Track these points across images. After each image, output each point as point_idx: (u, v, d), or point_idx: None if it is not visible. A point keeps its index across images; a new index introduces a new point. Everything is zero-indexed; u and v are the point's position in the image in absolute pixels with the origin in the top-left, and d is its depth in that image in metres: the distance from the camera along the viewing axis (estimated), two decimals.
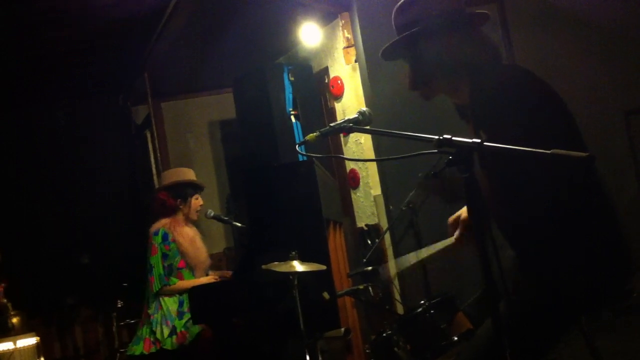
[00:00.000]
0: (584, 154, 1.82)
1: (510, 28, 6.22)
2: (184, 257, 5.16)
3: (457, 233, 2.78)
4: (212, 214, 5.39)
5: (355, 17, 5.85)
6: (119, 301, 6.44)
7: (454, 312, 3.75)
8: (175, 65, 7.16)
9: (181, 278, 5.15)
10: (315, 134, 2.49)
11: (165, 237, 5.14)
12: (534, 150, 1.90)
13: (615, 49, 6.18)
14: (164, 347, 4.90)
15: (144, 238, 7.66)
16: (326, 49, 6.51)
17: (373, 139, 5.86)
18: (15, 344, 5.09)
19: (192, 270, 5.20)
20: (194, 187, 5.37)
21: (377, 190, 5.94)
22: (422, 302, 3.83)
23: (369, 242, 5.87)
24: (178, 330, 4.95)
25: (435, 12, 2.55)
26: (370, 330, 5.49)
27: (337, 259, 5.30)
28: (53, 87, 7.53)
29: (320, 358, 4.52)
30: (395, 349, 3.74)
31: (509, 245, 2.49)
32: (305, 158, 4.94)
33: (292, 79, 5.92)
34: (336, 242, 5.41)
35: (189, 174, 5.48)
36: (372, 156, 5.96)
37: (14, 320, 5.37)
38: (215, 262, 6.23)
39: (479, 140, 2.00)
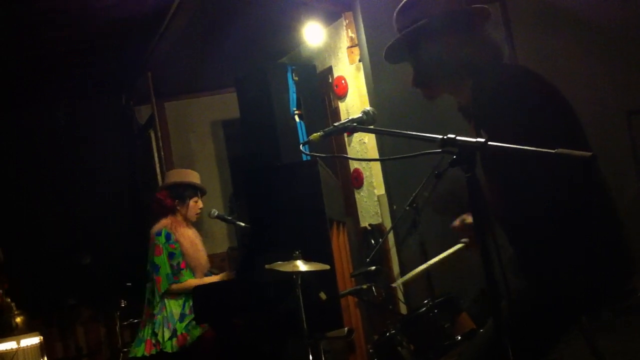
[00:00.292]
0: (587, 154, 1.82)
1: (512, 28, 6.22)
2: (185, 257, 5.15)
3: (464, 238, 2.80)
4: (215, 214, 5.38)
5: (359, 16, 5.85)
6: (122, 301, 6.44)
7: (457, 312, 3.75)
8: (178, 65, 7.16)
9: (182, 278, 5.15)
10: (318, 133, 2.49)
11: (168, 236, 5.13)
12: (538, 149, 1.90)
13: (617, 49, 6.17)
14: (164, 349, 4.89)
15: (144, 238, 7.66)
16: (330, 49, 6.51)
17: (377, 139, 5.86)
18: (18, 343, 5.09)
19: (193, 271, 5.19)
20: (193, 190, 5.35)
21: (380, 190, 5.94)
22: (425, 302, 3.83)
23: (373, 242, 5.87)
24: (179, 333, 4.94)
25: (436, 12, 2.55)
26: (373, 330, 5.49)
27: (341, 258, 5.30)
28: (53, 87, 7.54)
29: (323, 358, 4.52)
30: (399, 348, 3.73)
31: (510, 245, 2.49)
32: (308, 158, 4.94)
33: (295, 78, 5.91)
34: (339, 242, 5.41)
35: (191, 176, 5.46)
36: (376, 156, 5.96)
37: (17, 319, 5.37)
38: (219, 262, 6.24)
39: (483, 140, 2.00)
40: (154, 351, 4.93)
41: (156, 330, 4.96)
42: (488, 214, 2.42)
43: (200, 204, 5.36)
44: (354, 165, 6.30)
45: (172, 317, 4.99)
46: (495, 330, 2.07)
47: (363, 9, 5.82)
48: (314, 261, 3.99)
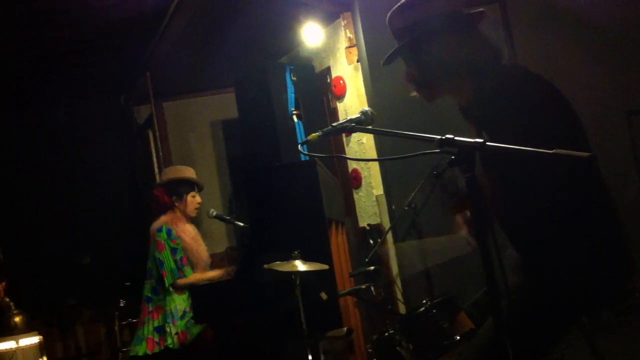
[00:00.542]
0: (585, 154, 1.82)
1: (512, 28, 6.22)
2: (187, 253, 5.17)
3: (464, 231, 2.79)
4: (214, 214, 5.38)
5: (357, 16, 5.85)
6: (121, 300, 6.44)
7: (456, 312, 3.74)
8: (177, 65, 7.16)
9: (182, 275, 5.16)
10: (317, 133, 2.49)
11: (169, 232, 5.15)
12: (536, 150, 1.90)
13: (617, 48, 6.18)
14: (167, 344, 4.91)
15: (144, 238, 7.66)
16: (328, 49, 6.51)
17: (375, 139, 5.86)
18: (17, 343, 5.09)
19: (193, 268, 5.20)
20: (189, 185, 5.36)
21: (379, 190, 5.94)
22: (424, 301, 3.83)
23: (371, 242, 5.87)
24: (179, 330, 4.95)
25: (433, 14, 2.55)
26: (372, 329, 5.49)
27: (339, 258, 5.30)
28: (53, 87, 7.53)
29: (322, 358, 4.52)
30: (398, 348, 3.73)
31: (510, 245, 2.49)
32: (307, 158, 4.94)
33: (294, 78, 5.91)
34: (338, 242, 5.41)
35: (185, 172, 5.47)
36: (375, 156, 5.96)
37: (17, 319, 5.37)
38: (217, 262, 6.22)
39: (481, 140, 2.00)
40: (157, 349, 4.94)
41: (165, 326, 4.98)
42: (488, 213, 2.43)
43: (198, 199, 5.37)
44: (352, 165, 6.30)
45: (177, 312, 5.01)
46: (495, 330, 2.07)
47: (361, 10, 5.83)
48: (313, 261, 3.99)
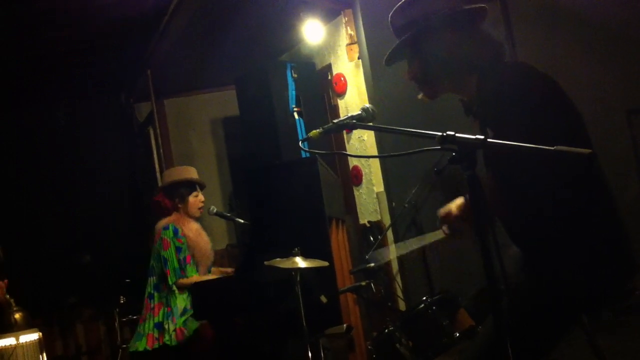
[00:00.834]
0: (586, 151, 1.82)
1: (512, 26, 6.22)
2: (192, 251, 5.18)
3: (445, 228, 2.76)
4: (214, 211, 5.39)
5: (358, 13, 5.85)
6: (121, 297, 6.45)
7: (456, 309, 3.74)
8: (177, 63, 7.16)
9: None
10: (318, 130, 2.48)
11: (175, 231, 5.16)
12: (537, 147, 1.90)
13: (617, 47, 6.17)
14: (165, 341, 4.92)
15: (144, 237, 7.66)
16: (329, 46, 6.51)
17: (376, 136, 5.86)
18: (17, 339, 5.09)
19: (197, 265, 5.21)
20: (190, 185, 5.36)
21: (379, 187, 5.94)
22: (424, 299, 3.83)
23: (372, 239, 5.87)
24: (177, 327, 4.97)
25: (433, 11, 2.55)
26: (372, 327, 5.49)
27: (340, 256, 5.30)
28: (53, 87, 7.53)
29: (322, 355, 4.52)
30: (397, 345, 3.73)
31: (511, 244, 2.49)
32: (308, 155, 4.95)
33: (295, 76, 5.92)
34: (339, 239, 5.41)
35: (185, 172, 5.47)
36: (375, 153, 5.96)
37: (17, 316, 5.37)
38: (218, 259, 6.23)
39: (482, 137, 2.00)
40: (156, 345, 4.96)
41: (163, 323, 4.99)
42: (488, 211, 2.42)
43: (201, 198, 5.37)
44: (353, 162, 6.30)
45: (177, 310, 5.02)
46: (495, 330, 2.07)
47: (362, 7, 5.83)
48: (314, 258, 3.99)
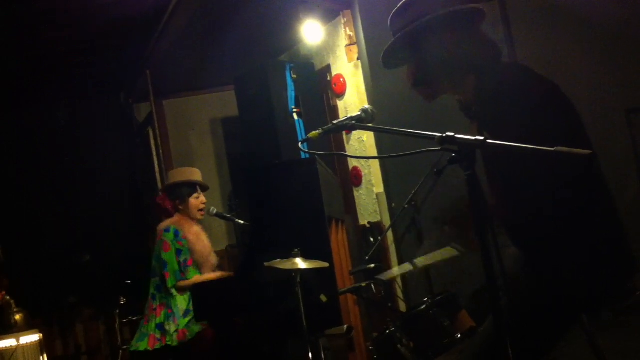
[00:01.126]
0: (586, 152, 1.82)
1: (511, 26, 6.22)
2: (193, 254, 5.18)
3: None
4: (214, 212, 5.39)
5: (358, 14, 5.85)
6: (121, 298, 6.45)
7: (457, 310, 3.74)
8: (177, 63, 7.16)
9: (188, 275, 5.17)
10: (317, 131, 2.48)
11: (176, 233, 5.17)
12: (537, 147, 1.90)
13: (616, 47, 6.18)
14: (168, 342, 4.93)
15: (144, 237, 7.66)
16: (328, 47, 6.51)
17: (375, 137, 5.86)
18: (18, 340, 5.10)
19: (199, 268, 5.22)
20: (191, 187, 5.35)
21: (379, 187, 5.94)
22: (425, 299, 3.83)
23: (372, 239, 5.87)
24: (179, 328, 4.97)
25: (433, 11, 2.55)
26: (373, 327, 5.49)
27: (340, 256, 5.30)
28: (53, 87, 7.53)
29: (322, 355, 4.52)
30: (398, 346, 3.72)
31: (511, 244, 2.49)
32: (307, 156, 4.94)
33: (294, 76, 5.92)
34: (338, 239, 5.41)
35: (187, 174, 5.46)
36: (375, 154, 5.96)
37: (17, 317, 5.37)
38: (216, 264, 6.23)
39: (482, 138, 2.00)
40: (158, 345, 4.97)
41: (164, 324, 4.99)
42: (488, 212, 2.42)
43: (202, 199, 5.36)
44: (352, 163, 6.30)
45: (178, 312, 5.03)
46: (495, 330, 2.07)
47: (361, 7, 5.82)
48: (314, 259, 3.99)
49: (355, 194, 6.28)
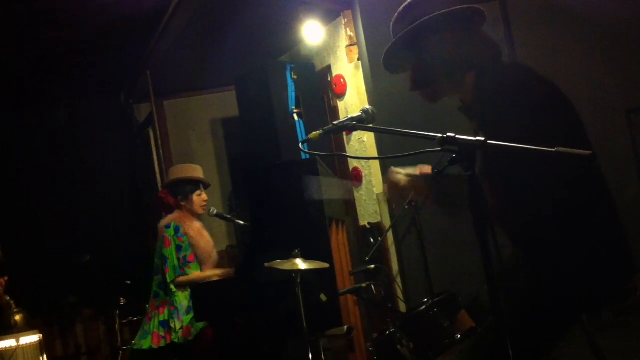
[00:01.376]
0: (587, 152, 1.82)
1: (512, 26, 6.22)
2: (194, 250, 5.19)
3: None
4: (214, 212, 5.40)
5: (358, 15, 5.85)
6: (121, 299, 6.46)
7: (457, 311, 3.75)
8: (177, 64, 7.16)
9: (189, 270, 5.18)
10: (318, 132, 2.48)
11: (177, 229, 5.18)
12: (537, 148, 1.90)
13: (617, 47, 6.18)
14: (173, 339, 4.94)
15: (144, 237, 7.66)
16: (329, 47, 6.51)
17: (376, 137, 5.86)
18: (18, 341, 5.10)
19: (201, 264, 5.23)
20: (194, 184, 5.37)
21: (379, 188, 5.93)
22: (425, 300, 3.83)
23: (372, 240, 5.87)
24: (184, 325, 4.98)
25: (433, 12, 2.55)
26: (373, 328, 5.49)
27: (340, 257, 5.30)
28: (53, 87, 7.53)
29: (322, 356, 4.52)
30: (398, 347, 3.73)
31: (511, 244, 2.49)
32: (308, 156, 4.94)
33: (294, 77, 5.92)
34: (339, 240, 5.41)
35: (190, 170, 5.48)
36: (375, 154, 5.95)
37: (17, 317, 5.37)
38: (218, 260, 6.25)
39: (482, 139, 2.00)
40: (162, 343, 4.98)
41: (169, 321, 5.00)
42: (488, 212, 2.42)
43: (204, 197, 5.38)
44: (353, 163, 6.29)
45: (182, 308, 5.03)
46: (495, 330, 2.07)
47: (362, 8, 5.82)
48: (314, 259, 3.99)
49: (356, 194, 6.27)
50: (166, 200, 5.35)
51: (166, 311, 5.07)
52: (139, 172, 8.32)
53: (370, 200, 6.07)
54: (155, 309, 5.14)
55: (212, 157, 8.33)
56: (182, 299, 5.08)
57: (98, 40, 6.54)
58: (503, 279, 2.19)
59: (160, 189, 5.64)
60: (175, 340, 4.95)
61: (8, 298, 5.41)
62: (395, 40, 2.63)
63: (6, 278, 5.29)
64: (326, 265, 4.08)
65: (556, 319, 2.39)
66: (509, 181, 2.38)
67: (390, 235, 5.70)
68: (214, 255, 5.35)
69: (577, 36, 6.16)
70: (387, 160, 5.82)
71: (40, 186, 7.69)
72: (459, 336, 3.60)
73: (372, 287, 4.44)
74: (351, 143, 6.27)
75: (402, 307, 5.47)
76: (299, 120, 5.86)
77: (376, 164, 5.97)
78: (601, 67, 6.14)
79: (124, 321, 6.51)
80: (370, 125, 2.55)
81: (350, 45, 6.02)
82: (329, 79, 6.51)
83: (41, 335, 5.31)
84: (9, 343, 5.05)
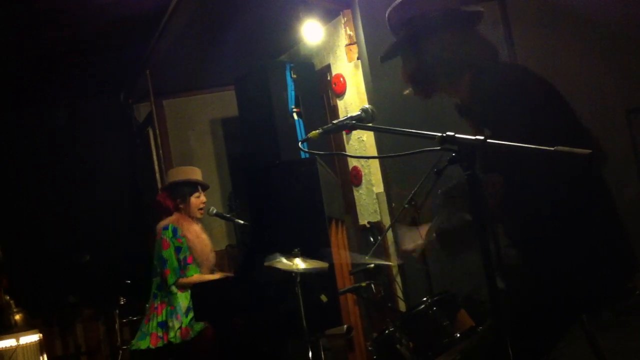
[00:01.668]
0: (586, 151, 1.82)
1: (512, 26, 6.22)
2: (192, 252, 5.19)
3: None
4: (214, 212, 5.40)
5: (357, 14, 5.85)
6: (121, 298, 6.46)
7: (457, 310, 3.74)
8: (177, 63, 7.17)
9: (188, 272, 5.18)
10: (317, 131, 2.48)
11: (175, 231, 5.18)
12: (537, 147, 1.90)
13: (616, 47, 6.19)
14: (170, 339, 4.94)
15: (143, 237, 7.65)
16: (328, 47, 6.51)
17: (375, 136, 5.86)
18: (18, 340, 5.11)
19: (199, 266, 5.23)
20: (192, 186, 5.36)
21: (379, 187, 5.94)
22: (425, 299, 3.83)
23: (372, 239, 5.87)
24: (183, 326, 4.98)
25: (430, 11, 2.55)
26: (372, 327, 5.49)
27: (340, 256, 5.30)
28: (53, 87, 7.54)
29: (322, 356, 4.52)
30: (398, 346, 3.73)
31: (511, 244, 2.49)
32: (307, 155, 4.94)
33: (294, 76, 5.91)
34: (338, 239, 5.41)
35: (188, 173, 5.47)
36: (375, 153, 5.95)
37: (17, 317, 5.38)
38: (218, 260, 6.25)
39: (482, 138, 2.00)
40: (160, 344, 4.98)
41: (167, 321, 5.00)
42: (488, 212, 2.42)
43: (202, 199, 5.37)
44: (352, 162, 6.29)
45: (181, 309, 5.03)
46: (495, 330, 2.07)
47: (361, 7, 5.82)
48: (313, 259, 3.99)
49: (355, 193, 6.27)
50: (164, 203, 5.35)
51: (164, 312, 5.07)
52: (138, 172, 8.32)
53: (370, 200, 6.07)
54: (154, 309, 5.13)
55: (212, 157, 8.33)
56: (182, 299, 5.08)
57: (98, 40, 6.54)
58: (503, 278, 2.19)
59: (160, 188, 5.63)
60: (173, 341, 4.95)
61: (8, 298, 5.42)
62: (391, 45, 2.63)
63: (5, 284, 5.29)
64: (326, 264, 4.07)
65: (556, 319, 2.39)
66: (508, 181, 2.38)
67: (390, 235, 5.70)
68: (211, 258, 5.34)
69: (577, 36, 6.16)
70: (386, 159, 5.83)
71: (40, 186, 7.70)
72: (459, 335, 3.60)
73: (372, 286, 4.43)
74: (351, 142, 6.27)
75: (402, 306, 5.47)
76: (298, 120, 5.86)
77: (376, 163, 5.97)
78: (601, 67, 6.14)
79: (124, 321, 6.51)
80: (370, 125, 2.55)
81: (350, 44, 6.02)
82: (329, 78, 6.51)
83: (41, 335, 5.33)
84: (9, 342, 5.07)
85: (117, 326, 6.50)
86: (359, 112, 2.52)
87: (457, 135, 2.03)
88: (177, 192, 5.34)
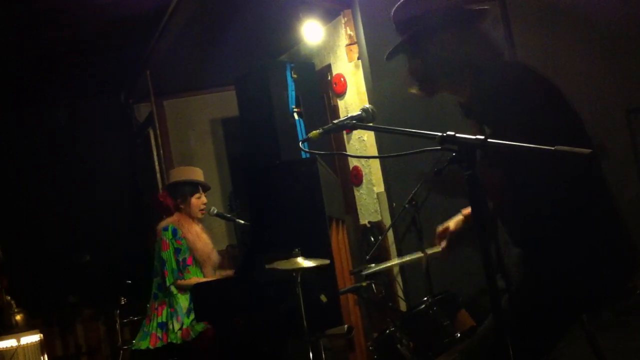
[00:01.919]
0: (587, 151, 1.82)
1: (512, 26, 6.22)
2: (193, 252, 5.19)
3: (444, 244, 2.81)
4: (215, 212, 5.40)
5: (358, 14, 5.85)
6: (122, 298, 6.46)
7: (457, 309, 3.74)
8: (177, 63, 7.17)
9: (188, 274, 5.18)
10: (318, 131, 2.48)
11: (175, 232, 5.17)
12: (537, 146, 1.90)
13: (617, 47, 6.18)
14: (170, 340, 4.94)
15: (144, 237, 7.65)
16: (329, 47, 6.51)
17: (376, 136, 5.86)
18: (18, 341, 5.11)
19: (200, 266, 5.23)
20: (193, 186, 5.36)
21: (380, 187, 5.94)
22: (425, 299, 3.83)
23: (372, 239, 5.87)
24: (184, 327, 4.98)
25: (434, 9, 2.55)
26: (373, 327, 5.50)
27: (340, 256, 5.30)
28: (53, 87, 7.54)
29: (323, 356, 4.52)
30: (398, 346, 3.73)
31: (512, 243, 2.49)
32: (307, 155, 4.94)
33: (294, 76, 5.91)
34: (339, 239, 5.41)
35: (190, 173, 5.47)
36: (375, 153, 5.96)
37: (17, 317, 5.39)
38: (219, 261, 6.27)
39: (482, 137, 2.00)
40: (159, 344, 4.98)
41: (168, 322, 5.01)
42: (488, 211, 2.42)
43: (203, 199, 5.38)
44: (353, 162, 6.29)
45: (181, 310, 5.04)
46: (495, 330, 2.07)
47: (362, 7, 5.82)
48: (314, 258, 3.99)
49: (356, 193, 6.28)
50: (165, 203, 5.35)
51: (164, 312, 5.07)
52: (139, 172, 8.32)
53: (371, 199, 6.07)
54: (154, 310, 5.14)
55: (212, 157, 8.33)
56: (183, 300, 5.08)
57: (98, 40, 6.54)
58: (503, 278, 2.19)
59: (160, 189, 5.63)
60: (174, 341, 4.95)
61: (9, 298, 5.42)
62: (396, 46, 2.63)
63: (6, 285, 5.30)
64: (326, 261, 4.07)
65: (556, 318, 2.39)
66: (510, 180, 2.38)
67: (390, 234, 5.71)
68: (214, 257, 5.34)
69: (577, 36, 6.16)
70: (386, 159, 5.83)
71: (40, 186, 7.70)
72: (459, 335, 3.60)
73: (373, 286, 4.44)
74: (351, 142, 6.27)
75: (403, 306, 5.47)
76: (299, 120, 5.86)
77: (376, 163, 5.97)
78: (601, 67, 6.14)
79: (124, 321, 6.50)
80: (370, 124, 2.55)
81: (350, 44, 6.02)
82: (329, 78, 6.51)
83: (41, 335, 5.33)
84: (9, 343, 5.07)
85: (117, 326, 6.49)
86: (360, 112, 2.52)
87: (457, 135, 2.03)
88: (177, 192, 5.34)
